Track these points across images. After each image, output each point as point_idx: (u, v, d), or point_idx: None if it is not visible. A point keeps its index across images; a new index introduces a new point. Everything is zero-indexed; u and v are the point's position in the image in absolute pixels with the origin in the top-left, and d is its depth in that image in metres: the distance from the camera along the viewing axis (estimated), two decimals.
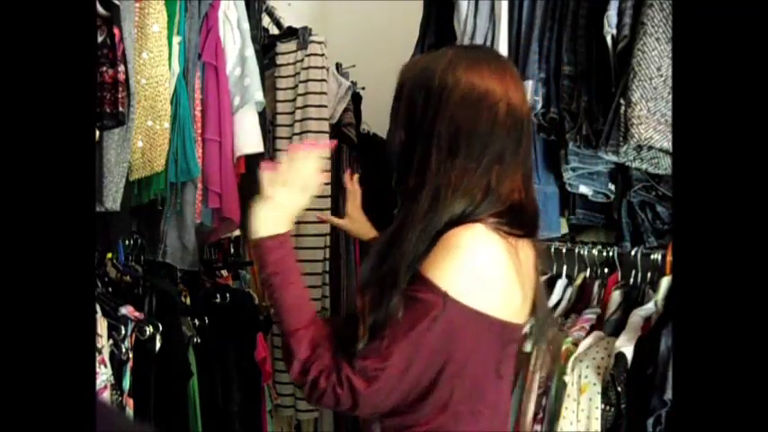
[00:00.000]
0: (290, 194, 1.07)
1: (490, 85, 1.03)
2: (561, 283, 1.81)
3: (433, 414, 1.02)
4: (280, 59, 2.16)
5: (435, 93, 1.03)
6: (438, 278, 0.97)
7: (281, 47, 2.16)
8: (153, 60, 1.49)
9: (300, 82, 2.11)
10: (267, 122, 2.04)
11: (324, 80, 2.11)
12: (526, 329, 1.66)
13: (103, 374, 1.48)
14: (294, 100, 2.13)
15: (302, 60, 2.12)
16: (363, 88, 2.46)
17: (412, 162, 1.05)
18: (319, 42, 2.12)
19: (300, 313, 1.04)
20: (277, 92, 2.15)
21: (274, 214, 1.06)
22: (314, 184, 1.10)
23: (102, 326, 1.53)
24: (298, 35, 2.15)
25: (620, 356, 1.42)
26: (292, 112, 2.12)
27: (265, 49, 2.10)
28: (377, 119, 2.26)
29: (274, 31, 2.29)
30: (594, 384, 1.47)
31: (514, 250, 1.01)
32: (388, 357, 0.96)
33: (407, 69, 1.11)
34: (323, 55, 2.12)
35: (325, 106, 2.11)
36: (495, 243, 1.00)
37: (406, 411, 1.02)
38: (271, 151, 2.12)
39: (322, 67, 2.11)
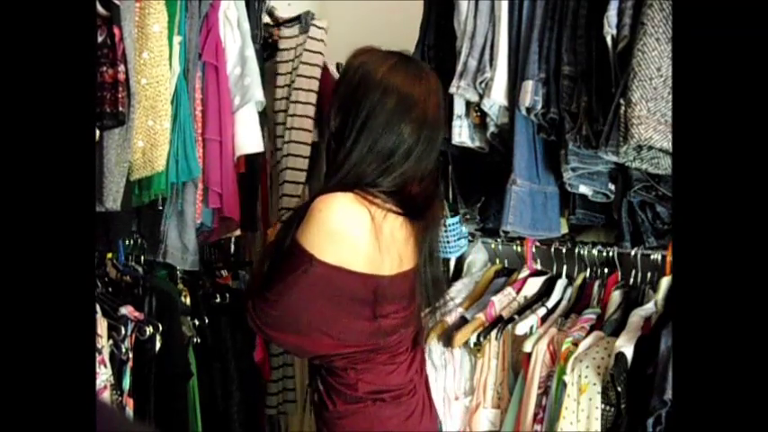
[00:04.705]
0: None
1: (415, 94, 1.22)
2: (561, 283, 1.81)
3: (327, 351, 1.27)
4: (282, 44, 2.09)
5: (370, 89, 1.22)
6: (302, 238, 1.20)
7: (284, 31, 2.09)
8: (153, 60, 1.49)
9: (295, 65, 2.05)
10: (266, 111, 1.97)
11: (317, 65, 2.03)
12: (526, 330, 1.68)
13: (103, 374, 1.48)
14: (290, 85, 2.06)
15: (303, 44, 2.06)
16: None
17: (337, 140, 1.26)
18: (320, 27, 2.06)
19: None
20: (277, 77, 2.07)
21: None
22: None
23: (102, 326, 1.53)
24: (300, 20, 2.08)
25: (620, 356, 1.42)
26: (288, 97, 2.05)
27: (264, 42, 2.06)
28: None
29: None
30: (594, 384, 1.47)
31: (381, 219, 1.19)
32: (272, 299, 1.24)
33: (354, 57, 1.28)
34: (321, 40, 2.05)
35: (315, 92, 2.02)
36: (353, 208, 1.18)
37: (319, 354, 1.29)
38: (271, 137, 2.06)
39: (317, 52, 2.04)
